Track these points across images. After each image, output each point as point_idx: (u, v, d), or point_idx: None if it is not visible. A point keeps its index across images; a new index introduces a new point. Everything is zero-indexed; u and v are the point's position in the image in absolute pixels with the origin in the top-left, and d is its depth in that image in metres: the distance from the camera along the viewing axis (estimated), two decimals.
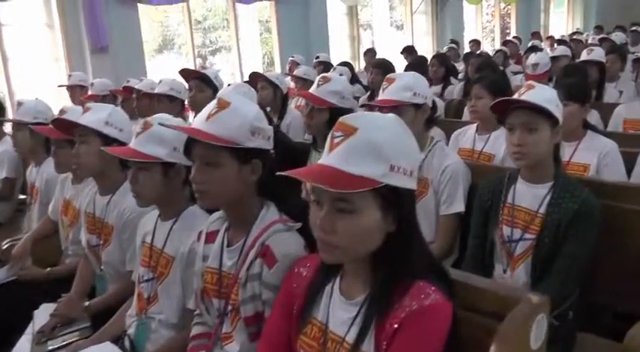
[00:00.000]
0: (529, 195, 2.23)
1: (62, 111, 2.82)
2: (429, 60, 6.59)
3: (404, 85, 2.61)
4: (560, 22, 17.23)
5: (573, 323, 2.15)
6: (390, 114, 1.33)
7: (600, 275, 2.27)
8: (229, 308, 1.70)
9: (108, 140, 2.42)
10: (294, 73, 6.62)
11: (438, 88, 6.06)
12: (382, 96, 2.63)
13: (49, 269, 2.93)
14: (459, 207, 2.59)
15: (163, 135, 1.98)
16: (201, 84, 4.01)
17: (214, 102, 1.64)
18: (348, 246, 1.27)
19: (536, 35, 11.82)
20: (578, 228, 2.09)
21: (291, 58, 8.32)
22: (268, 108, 4.62)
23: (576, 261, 2.09)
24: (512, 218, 2.24)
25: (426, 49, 11.17)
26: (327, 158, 1.27)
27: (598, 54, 5.10)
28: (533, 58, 5.24)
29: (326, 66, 7.48)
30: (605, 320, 2.42)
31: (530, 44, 8.87)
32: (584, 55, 5.16)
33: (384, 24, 12.63)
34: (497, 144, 3.36)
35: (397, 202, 1.27)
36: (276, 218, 1.69)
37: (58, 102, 5.96)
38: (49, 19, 7.59)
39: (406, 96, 2.59)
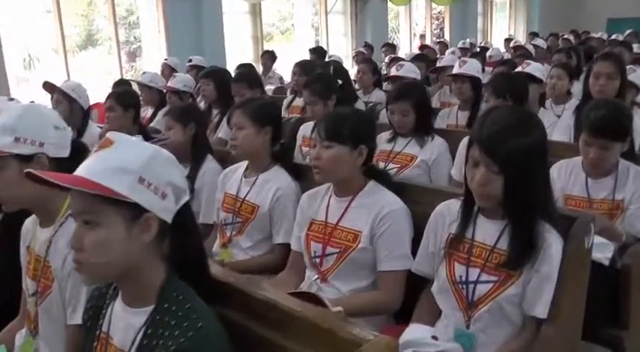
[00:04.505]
0: (121, 325, 1.34)
1: None
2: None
3: (2, 125, 1.61)
4: (503, 26, 16.42)
5: None
6: None
7: None
8: None
9: None
10: (139, 79, 5.62)
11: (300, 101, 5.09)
12: None
13: None
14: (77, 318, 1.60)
15: None
16: None
17: None
18: None
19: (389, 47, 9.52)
20: None
21: (164, 61, 7.25)
22: None
23: None
24: None
25: (342, 52, 10.20)
26: None
27: (471, 67, 4.14)
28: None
29: (200, 70, 6.44)
30: None
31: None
32: (455, 68, 4.21)
33: (304, 24, 11.60)
34: (265, 191, 2.58)
35: None
36: None
37: None
38: None
39: (4, 142, 1.59)
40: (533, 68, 3.82)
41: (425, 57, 6.36)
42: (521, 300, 1.76)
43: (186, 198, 1.33)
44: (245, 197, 2.61)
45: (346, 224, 2.14)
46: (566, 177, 2.64)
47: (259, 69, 8.85)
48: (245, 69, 5.29)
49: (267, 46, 9.78)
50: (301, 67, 5.15)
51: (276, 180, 2.56)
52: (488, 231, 1.82)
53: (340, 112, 2.21)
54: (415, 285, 2.07)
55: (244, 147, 2.58)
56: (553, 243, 1.73)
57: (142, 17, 9.34)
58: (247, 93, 4.09)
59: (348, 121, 2.10)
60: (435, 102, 5.24)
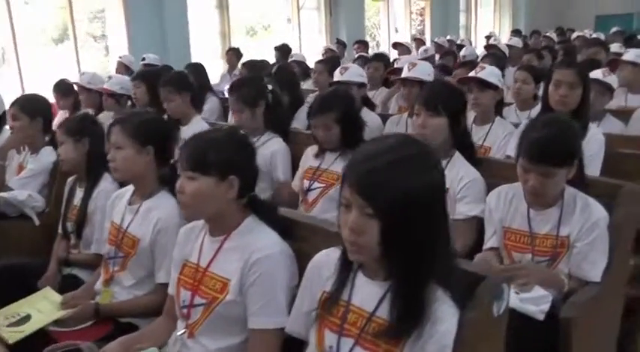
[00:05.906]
0: None
1: None
2: None
3: None
4: (488, 22, 15.98)
5: None
6: None
7: None
8: None
9: None
10: (78, 81, 5.20)
11: None
12: None
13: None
14: None
15: None
16: None
17: None
18: None
19: (360, 44, 9.07)
20: None
21: (118, 59, 6.84)
22: None
23: None
24: None
25: (316, 50, 9.78)
26: None
27: (421, 70, 3.77)
28: None
29: None
30: None
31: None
32: (404, 72, 3.83)
33: (281, 19, 11.16)
34: (147, 221, 2.25)
35: None
36: None
37: None
38: None
39: None
40: (487, 73, 3.39)
41: (383, 57, 5.95)
42: None
43: None
44: (127, 228, 2.23)
45: (216, 270, 1.76)
46: (505, 207, 2.26)
47: (225, 66, 8.45)
48: (190, 68, 4.89)
49: (250, 42, 9.35)
50: (249, 67, 4.75)
51: (160, 208, 2.17)
52: (367, 294, 1.43)
53: (206, 136, 1.80)
54: (299, 345, 1.69)
55: (123, 169, 2.20)
56: (445, 317, 1.33)
57: (108, 10, 8.93)
58: (176, 99, 3.69)
59: (214, 147, 1.72)
60: (392, 107, 4.87)
